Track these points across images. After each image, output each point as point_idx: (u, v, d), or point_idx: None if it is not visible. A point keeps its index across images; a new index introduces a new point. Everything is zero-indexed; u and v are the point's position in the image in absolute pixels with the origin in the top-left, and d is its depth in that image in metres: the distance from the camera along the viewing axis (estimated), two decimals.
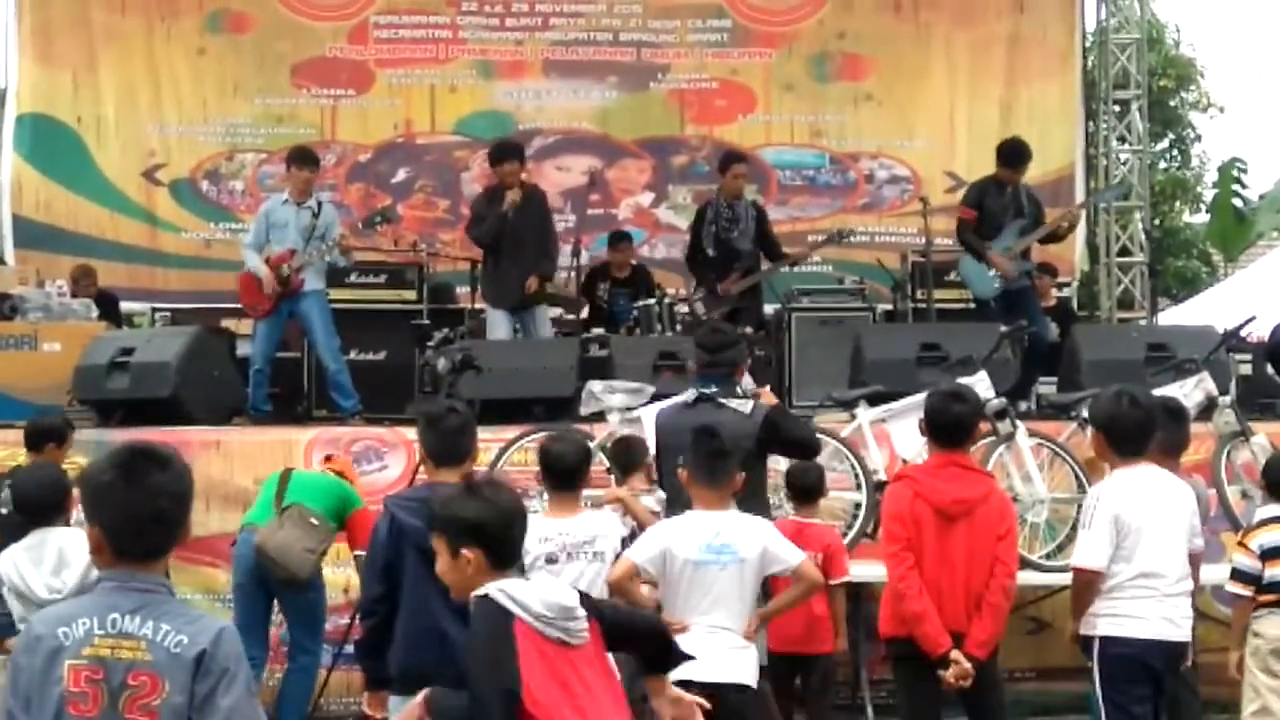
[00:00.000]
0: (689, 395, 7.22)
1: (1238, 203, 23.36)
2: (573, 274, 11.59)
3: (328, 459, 8.57)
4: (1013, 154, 11.03)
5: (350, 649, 7.18)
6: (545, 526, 6.00)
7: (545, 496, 6.54)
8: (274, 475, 8.07)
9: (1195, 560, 6.06)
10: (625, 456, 7.35)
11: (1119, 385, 6.22)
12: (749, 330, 10.50)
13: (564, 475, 6.16)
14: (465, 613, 4.97)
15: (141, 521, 3.26)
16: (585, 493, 8.11)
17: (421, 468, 5.61)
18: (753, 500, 6.98)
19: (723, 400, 6.76)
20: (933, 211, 11.73)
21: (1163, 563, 5.80)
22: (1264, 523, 6.87)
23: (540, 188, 11.53)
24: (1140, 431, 5.94)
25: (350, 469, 8.51)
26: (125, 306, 12.90)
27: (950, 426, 6.08)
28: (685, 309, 11.22)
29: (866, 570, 7.61)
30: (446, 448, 5.37)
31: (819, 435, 8.47)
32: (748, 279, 11.20)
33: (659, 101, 14.33)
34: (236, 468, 9.17)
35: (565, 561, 5.94)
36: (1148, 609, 5.74)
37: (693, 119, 14.32)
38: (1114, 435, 5.95)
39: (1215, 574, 7.22)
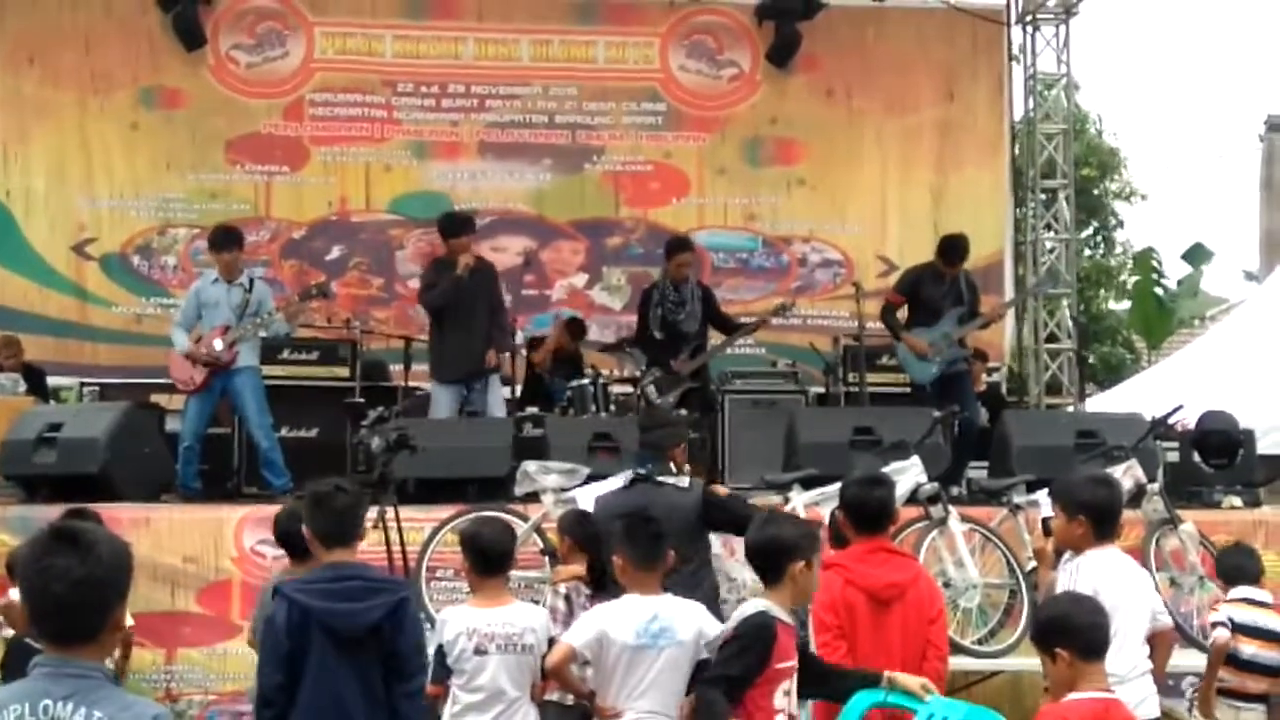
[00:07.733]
0: (625, 477, 7.32)
1: (1159, 291, 23.71)
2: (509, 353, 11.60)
3: None
4: (950, 251, 11.13)
5: None
6: (473, 617, 5.84)
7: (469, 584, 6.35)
8: None
9: (1167, 638, 6.17)
10: (581, 532, 7.23)
11: (1091, 470, 6.28)
12: (688, 413, 10.28)
13: (492, 562, 5.99)
14: (375, 697, 4.91)
15: (42, 604, 3.20)
16: (531, 574, 8.09)
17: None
18: (700, 572, 7.06)
19: (659, 479, 6.94)
20: (865, 295, 11.81)
21: (1125, 646, 5.82)
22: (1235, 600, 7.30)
23: (490, 263, 11.46)
24: (1117, 512, 6.10)
25: None
26: (52, 381, 12.73)
27: (875, 511, 6.06)
28: (633, 390, 11.19)
29: None
30: (335, 528, 5.20)
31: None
32: (699, 358, 11.20)
33: (594, 183, 14.41)
34: (165, 545, 9.07)
35: (495, 653, 5.80)
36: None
37: (627, 201, 14.42)
38: (1099, 519, 5.99)
39: None
